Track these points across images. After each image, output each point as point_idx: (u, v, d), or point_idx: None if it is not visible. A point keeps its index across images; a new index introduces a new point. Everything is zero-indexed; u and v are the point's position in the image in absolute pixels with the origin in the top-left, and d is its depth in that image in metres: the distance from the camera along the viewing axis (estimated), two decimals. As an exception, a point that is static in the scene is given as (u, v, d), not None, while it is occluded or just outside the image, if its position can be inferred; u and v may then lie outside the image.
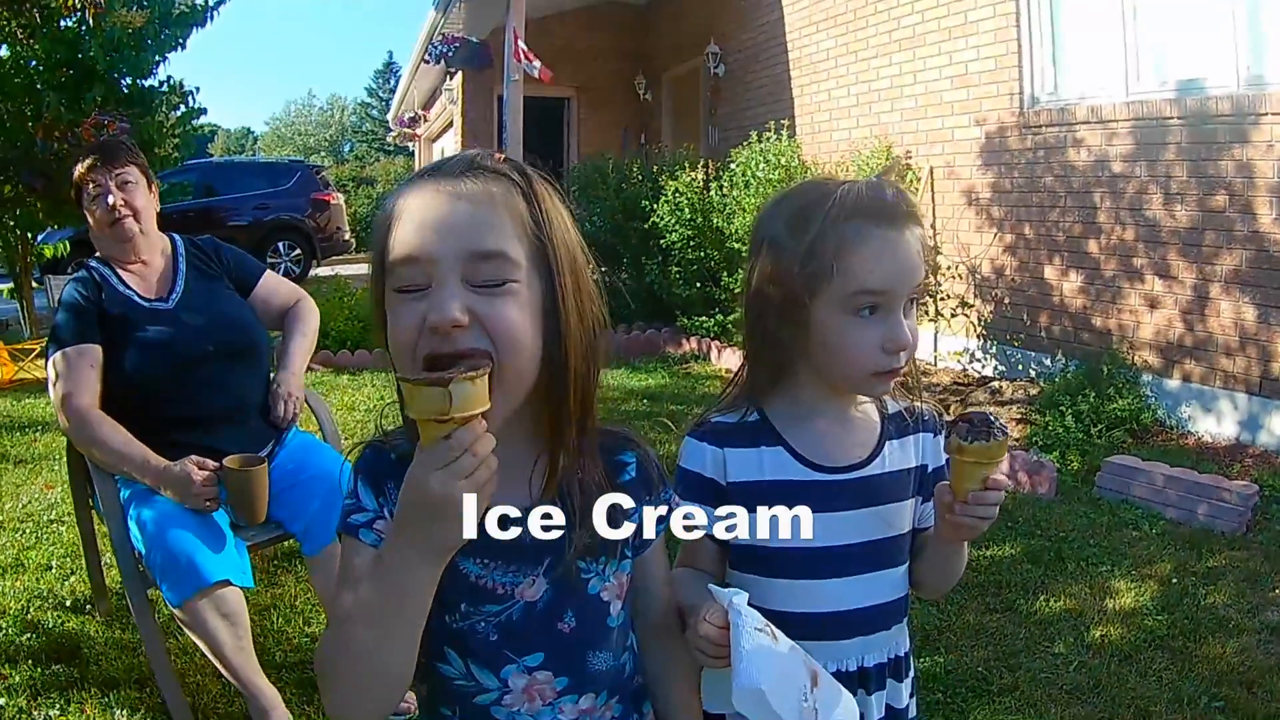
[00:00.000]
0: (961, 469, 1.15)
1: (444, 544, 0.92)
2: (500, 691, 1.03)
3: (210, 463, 2.35)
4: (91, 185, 2.58)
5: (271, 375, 2.74)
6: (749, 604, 1.07)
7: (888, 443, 1.30)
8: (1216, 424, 4.68)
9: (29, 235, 9.59)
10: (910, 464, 1.32)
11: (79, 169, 2.61)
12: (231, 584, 2.22)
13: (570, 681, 1.06)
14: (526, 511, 1.01)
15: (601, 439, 1.11)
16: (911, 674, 1.36)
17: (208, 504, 2.32)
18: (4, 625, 2.93)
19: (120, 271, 2.62)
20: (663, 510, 1.13)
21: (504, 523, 0.98)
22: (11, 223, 9.10)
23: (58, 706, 2.46)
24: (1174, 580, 3.22)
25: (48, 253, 10.07)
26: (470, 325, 0.94)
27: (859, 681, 1.28)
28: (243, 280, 2.80)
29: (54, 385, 2.45)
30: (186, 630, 2.24)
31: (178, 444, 2.40)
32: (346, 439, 4.22)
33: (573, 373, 1.01)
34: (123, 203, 2.57)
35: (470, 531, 0.90)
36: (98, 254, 2.68)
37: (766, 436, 1.28)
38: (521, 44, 8.38)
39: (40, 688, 2.55)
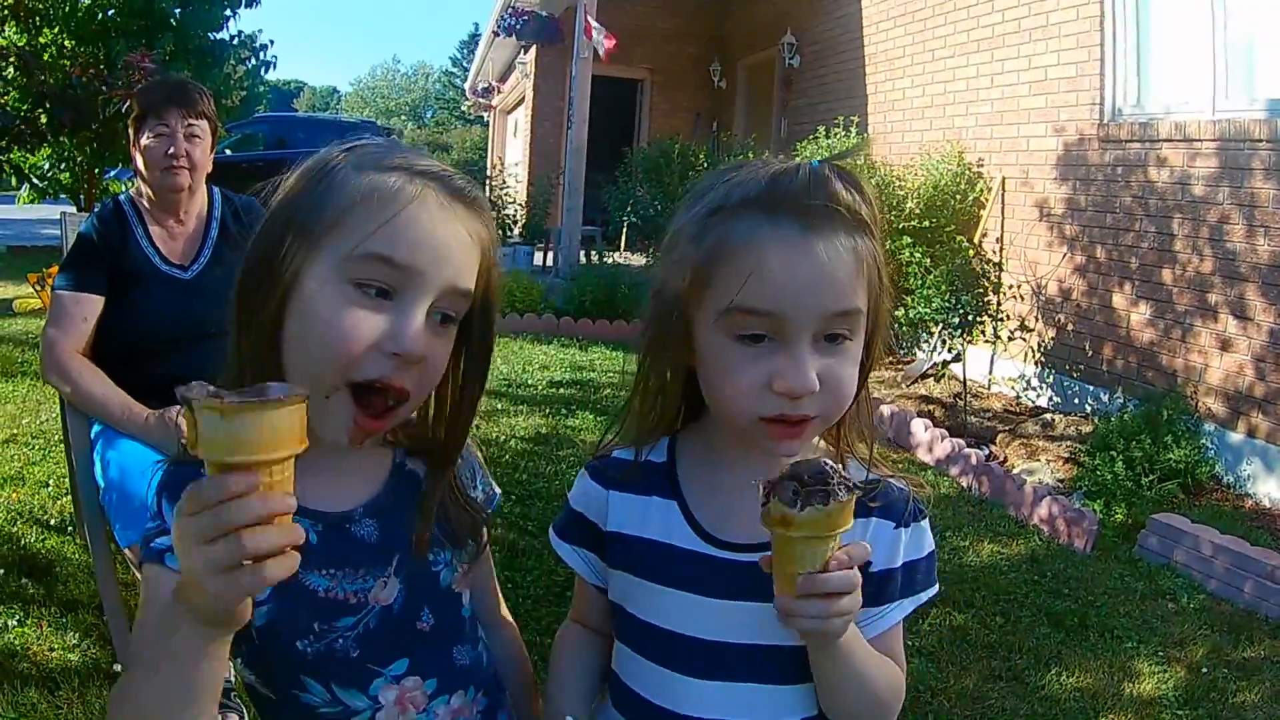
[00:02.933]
0: (788, 547, 0.84)
1: (227, 626, 0.79)
2: (372, 709, 0.96)
3: None
4: (159, 123, 2.43)
5: None
6: None
7: None
8: (1279, 487, 4.27)
9: (95, 170, 9.89)
10: None
11: (146, 102, 2.46)
12: None
13: (439, 683, 1.00)
14: (366, 508, 0.98)
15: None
16: None
17: (190, 451, 2.29)
18: (-13, 534, 3.04)
19: (149, 223, 2.50)
20: (481, 497, 1.12)
21: (341, 525, 0.95)
22: (77, 156, 9.40)
23: (17, 618, 2.56)
24: (1204, 669, 2.88)
25: (115, 189, 10.37)
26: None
27: None
28: None
29: (46, 323, 2.42)
30: (134, 570, 2.28)
31: (160, 404, 2.37)
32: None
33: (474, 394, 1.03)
34: (184, 153, 2.43)
35: (247, 615, 0.79)
36: (131, 191, 2.56)
37: (662, 485, 1.04)
38: (591, 19, 8.18)
39: (5, 597, 2.66)
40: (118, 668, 2.39)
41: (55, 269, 7.18)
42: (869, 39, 8.04)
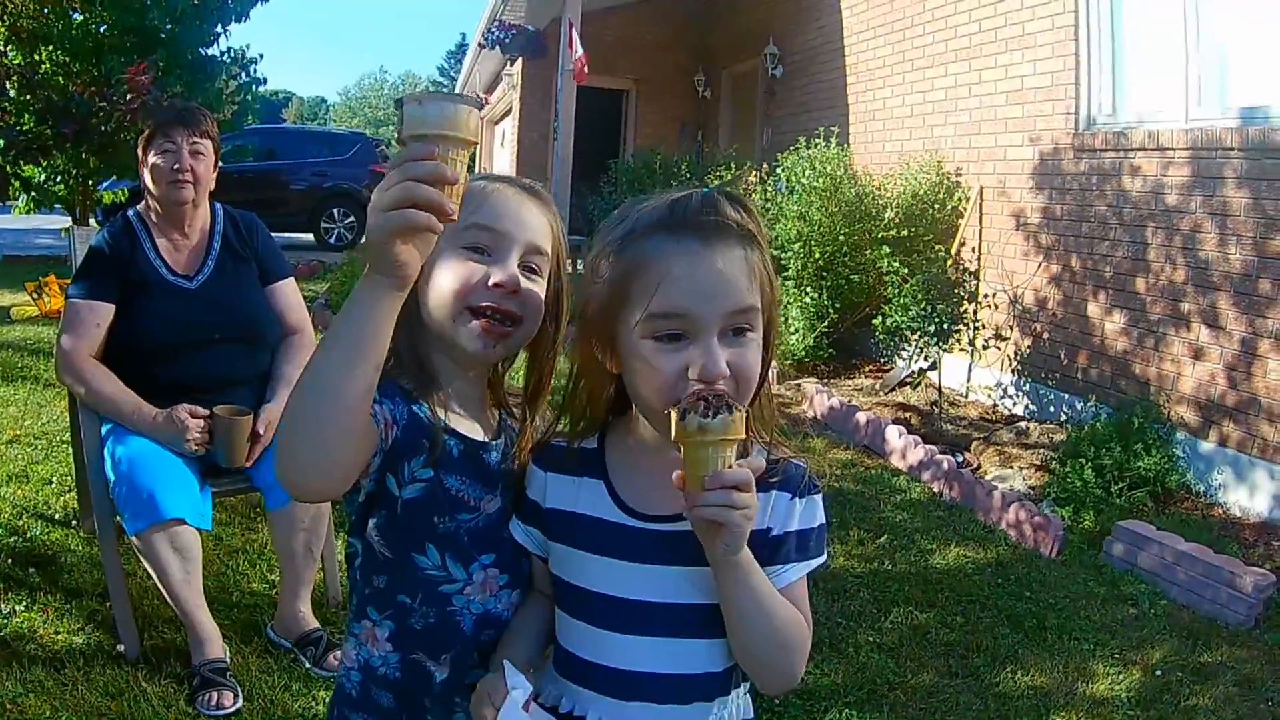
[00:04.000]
0: (700, 452, 1.00)
1: (391, 274, 0.99)
2: (464, 583, 1.23)
3: (202, 410, 2.53)
4: (166, 141, 2.64)
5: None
6: (536, 702, 1.07)
7: None
8: (1248, 497, 4.22)
9: (89, 181, 9.99)
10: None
11: (154, 123, 2.69)
12: (187, 523, 2.39)
13: (509, 579, 1.26)
14: (493, 442, 1.27)
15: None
16: None
17: (197, 448, 2.51)
18: (-5, 528, 3.22)
19: (156, 236, 2.70)
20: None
21: (474, 450, 1.23)
22: (73, 169, 9.52)
23: (23, 603, 2.75)
24: (1159, 673, 2.85)
25: (106, 199, 10.45)
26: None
27: None
28: (267, 270, 2.85)
29: (60, 327, 2.64)
30: (141, 558, 2.44)
31: (166, 404, 2.54)
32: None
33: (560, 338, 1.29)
34: (189, 168, 2.63)
35: (407, 271, 1.00)
36: (139, 207, 2.75)
37: (592, 467, 1.20)
38: (575, 34, 8.18)
39: (11, 585, 2.84)
40: (121, 648, 2.54)
41: (52, 278, 7.33)
42: (850, 49, 8.05)
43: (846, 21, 8.07)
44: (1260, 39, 4.48)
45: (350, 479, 1.10)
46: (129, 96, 8.37)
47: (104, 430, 2.60)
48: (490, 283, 1.17)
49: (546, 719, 1.13)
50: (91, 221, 10.19)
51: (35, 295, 7.36)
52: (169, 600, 2.45)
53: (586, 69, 8.10)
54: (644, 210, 1.12)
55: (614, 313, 1.10)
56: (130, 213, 2.74)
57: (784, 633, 1.10)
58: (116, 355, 2.62)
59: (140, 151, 2.70)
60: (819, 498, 1.18)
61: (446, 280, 1.19)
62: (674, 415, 1.01)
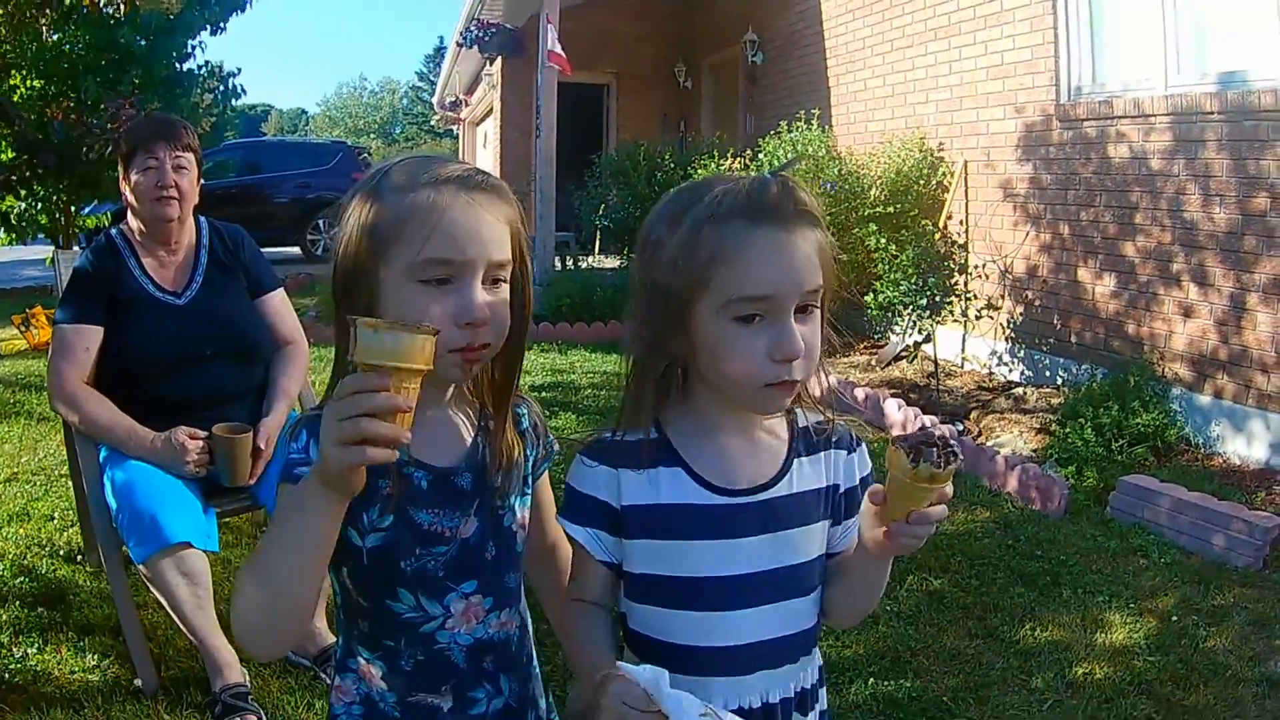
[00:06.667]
0: (912, 492, 1.05)
1: (341, 491, 1.02)
2: (444, 617, 1.20)
3: (200, 431, 2.48)
4: (148, 156, 2.56)
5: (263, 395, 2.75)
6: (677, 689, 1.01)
7: (796, 461, 1.21)
8: (1246, 446, 4.34)
9: (72, 208, 9.87)
10: (820, 484, 1.23)
11: (134, 139, 2.61)
12: (193, 546, 2.32)
13: (495, 601, 1.24)
14: (466, 463, 1.22)
15: None
16: (820, 707, 1.27)
17: (198, 470, 2.46)
18: (1, 569, 3.13)
19: (141, 254, 2.63)
20: (543, 452, 1.36)
21: (444, 478, 1.19)
22: (54, 197, 9.39)
23: (36, 645, 2.65)
24: (1174, 618, 2.95)
25: (89, 224, 10.35)
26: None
27: (763, 719, 1.19)
28: (256, 282, 2.81)
29: (50, 355, 2.55)
30: (149, 586, 2.37)
31: (163, 424, 2.49)
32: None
33: (525, 328, 1.24)
34: (173, 184, 2.56)
35: (358, 487, 1.03)
36: (122, 226, 2.67)
37: (664, 456, 1.19)
38: (554, 30, 8.22)
39: (24, 627, 2.76)
40: (138, 683, 2.47)
41: (39, 309, 7.19)
42: (829, 32, 8.12)
43: (825, 5, 8.14)
44: (1235, 5, 4.58)
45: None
46: (109, 126, 8.27)
47: (102, 457, 2.53)
48: (460, 324, 1.12)
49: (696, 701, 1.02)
50: (75, 248, 10.11)
51: (22, 328, 7.19)
52: (182, 628, 2.39)
53: (557, 66, 8.13)
54: (717, 198, 1.12)
55: (690, 298, 1.12)
56: (113, 231, 2.66)
57: (884, 584, 1.24)
58: (108, 378, 2.54)
59: (121, 169, 2.62)
60: (864, 449, 1.28)
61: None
62: (902, 453, 1.03)
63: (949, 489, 1.06)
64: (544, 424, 1.38)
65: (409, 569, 1.18)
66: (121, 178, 2.62)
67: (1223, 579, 3.21)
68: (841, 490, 1.24)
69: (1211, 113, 4.49)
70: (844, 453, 1.25)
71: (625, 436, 1.21)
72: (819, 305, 1.15)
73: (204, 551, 2.36)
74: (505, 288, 1.19)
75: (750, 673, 1.18)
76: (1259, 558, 3.27)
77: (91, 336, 2.52)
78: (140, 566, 2.32)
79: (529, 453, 1.32)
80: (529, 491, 1.33)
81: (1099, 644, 2.80)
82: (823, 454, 1.23)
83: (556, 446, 1.40)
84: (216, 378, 2.62)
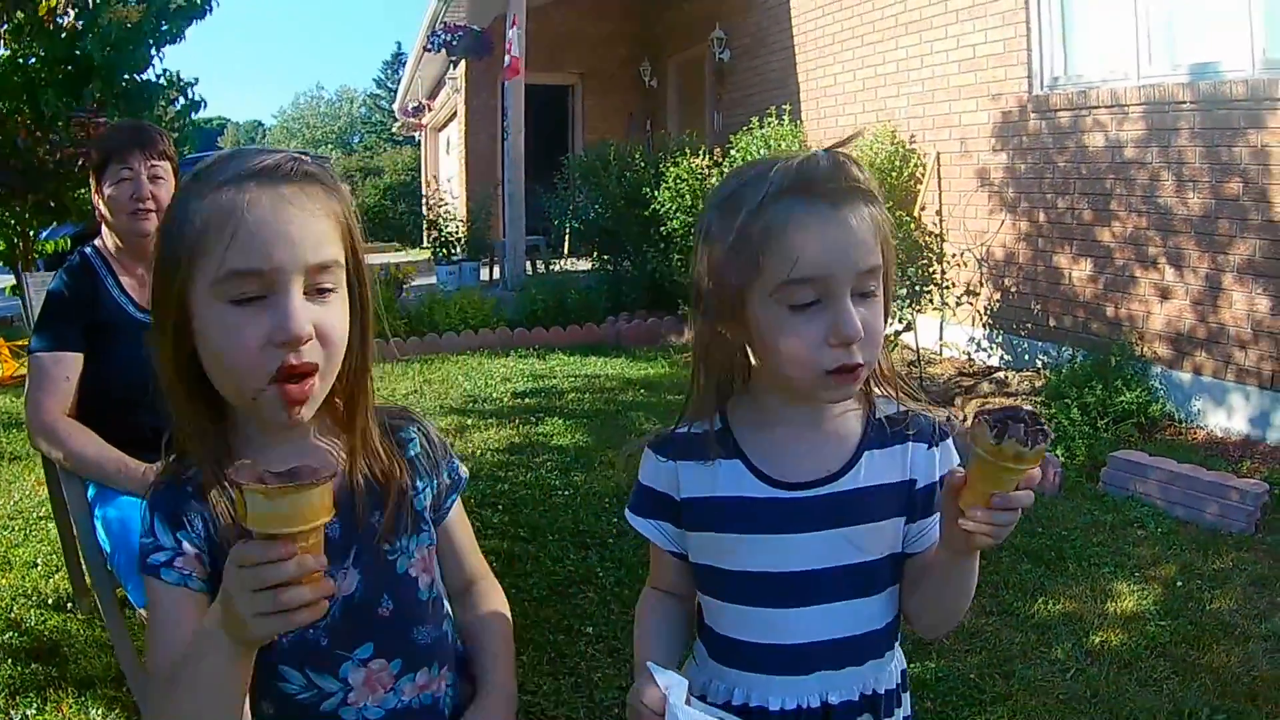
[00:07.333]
0: (996, 473, 0.95)
1: (252, 649, 0.94)
2: (343, 690, 1.06)
3: None
4: (122, 167, 2.35)
5: None
6: (699, 698, 1.02)
7: (867, 454, 1.14)
8: (1227, 418, 4.53)
9: (30, 233, 9.59)
10: (895, 478, 1.14)
11: (107, 147, 2.41)
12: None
13: (404, 662, 1.10)
14: (343, 492, 1.05)
15: (384, 417, 1.16)
16: (903, 712, 1.21)
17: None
18: (-12, 624, 2.91)
19: (119, 272, 2.43)
20: (448, 481, 1.20)
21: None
22: (13, 220, 9.12)
23: (35, 705, 2.45)
24: (1178, 583, 3.08)
25: (49, 249, 10.05)
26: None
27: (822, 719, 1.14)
28: None
29: (27, 387, 2.34)
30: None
31: (150, 455, 2.27)
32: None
33: (369, 342, 1.08)
34: (149, 196, 2.35)
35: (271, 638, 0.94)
36: (95, 243, 2.47)
37: (725, 447, 1.15)
38: (518, 32, 8.23)
39: (19, 686, 2.55)
40: None
41: (0, 341, 6.85)
42: (798, 28, 8.23)
43: (794, 1, 8.25)
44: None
45: None
46: (80, 137, 8.06)
47: (90, 495, 2.33)
48: (276, 342, 0.97)
49: (717, 713, 1.04)
50: (34, 274, 9.74)
51: (-9, 363, 6.85)
52: None
53: (516, 67, 8.14)
54: (766, 178, 1.06)
55: (744, 285, 1.06)
56: (87, 249, 2.46)
57: (972, 588, 1.12)
58: (90, 407, 2.33)
59: (93, 180, 2.41)
60: (950, 443, 1.18)
61: (222, 355, 1.00)
62: (985, 426, 0.95)
63: (1036, 472, 0.97)
64: (444, 449, 1.22)
65: (285, 642, 1.04)
66: (94, 190, 2.41)
67: (1219, 544, 3.36)
68: (919, 486, 1.15)
69: (1184, 102, 4.67)
70: (924, 446, 1.15)
71: (692, 429, 1.17)
72: (878, 287, 1.08)
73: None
74: (336, 296, 1.02)
75: (808, 673, 1.13)
76: (1251, 523, 3.43)
77: (71, 364, 2.30)
78: (141, 610, 2.13)
79: (419, 484, 1.16)
80: (427, 529, 1.17)
81: (1110, 612, 2.92)
82: (899, 447, 1.14)
83: (465, 472, 1.25)
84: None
